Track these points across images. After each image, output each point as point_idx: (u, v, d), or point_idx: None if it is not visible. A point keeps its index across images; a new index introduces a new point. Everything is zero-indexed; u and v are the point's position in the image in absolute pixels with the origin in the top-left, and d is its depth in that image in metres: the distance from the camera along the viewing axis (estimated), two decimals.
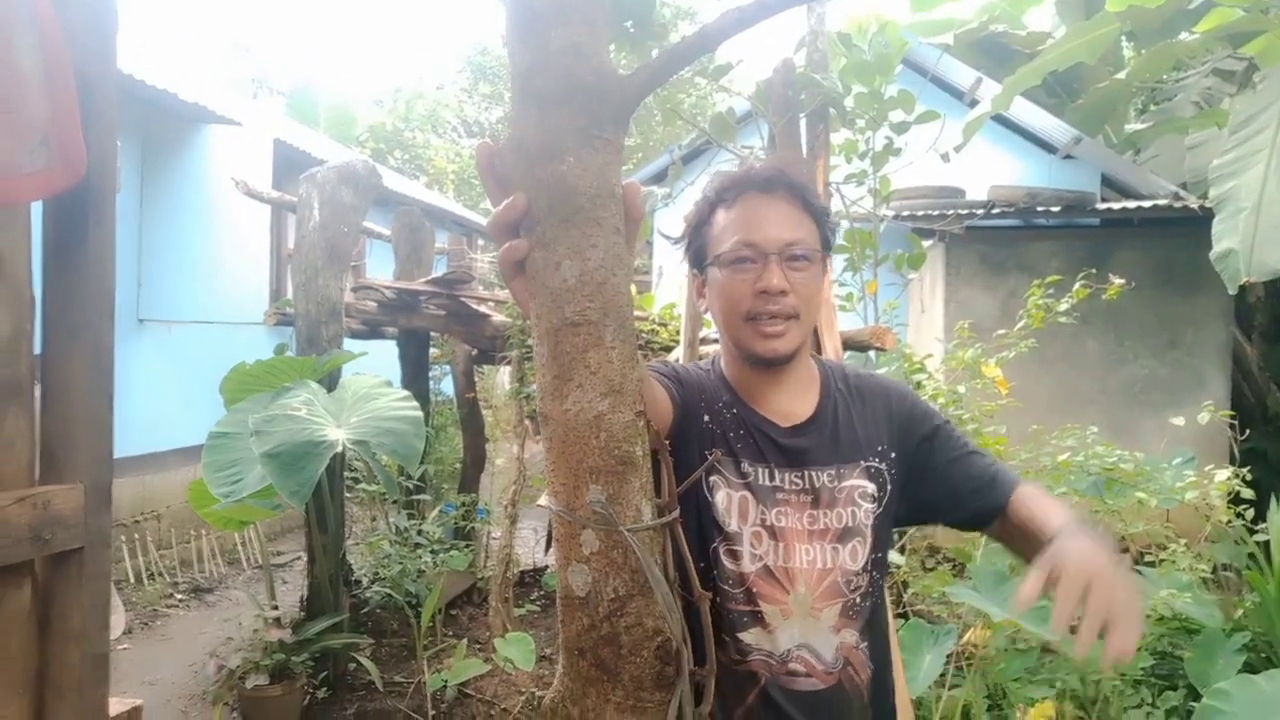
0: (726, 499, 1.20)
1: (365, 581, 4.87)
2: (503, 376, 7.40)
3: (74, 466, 1.30)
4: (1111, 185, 7.68)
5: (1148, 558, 3.81)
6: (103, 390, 1.33)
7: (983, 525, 1.29)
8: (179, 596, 5.71)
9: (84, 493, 1.30)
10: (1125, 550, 4.08)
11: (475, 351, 5.65)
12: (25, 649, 1.26)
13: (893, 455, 1.27)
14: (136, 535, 5.86)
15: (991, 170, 7.50)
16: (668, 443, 1.11)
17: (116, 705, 1.57)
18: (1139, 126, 8.15)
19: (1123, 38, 6.63)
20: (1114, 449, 3.86)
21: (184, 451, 6.24)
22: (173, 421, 6.18)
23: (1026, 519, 1.20)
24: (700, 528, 1.20)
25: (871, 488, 1.24)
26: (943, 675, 2.91)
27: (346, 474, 4.63)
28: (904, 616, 3.37)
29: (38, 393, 1.30)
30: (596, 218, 0.95)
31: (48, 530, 1.23)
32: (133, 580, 5.71)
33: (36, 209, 1.24)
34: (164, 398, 6.14)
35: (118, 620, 4.70)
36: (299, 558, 6.27)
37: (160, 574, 5.89)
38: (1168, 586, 3.30)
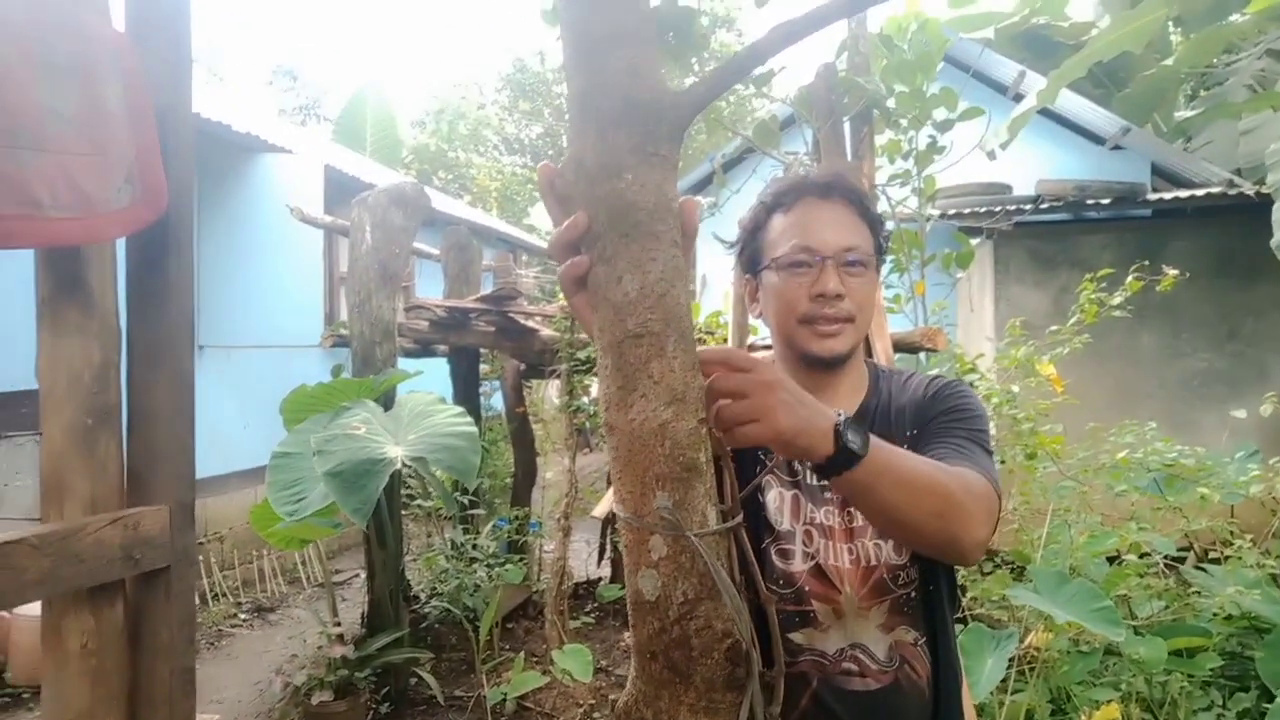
0: (778, 499, 1.22)
1: (423, 597, 4.94)
2: (551, 390, 7.45)
3: (159, 488, 1.35)
4: (1163, 175, 7.54)
5: (1212, 555, 3.72)
6: (184, 414, 1.39)
7: None
8: (242, 616, 5.85)
9: (169, 513, 1.35)
10: (1189, 547, 3.99)
11: (524, 366, 5.70)
12: (119, 664, 1.31)
13: (917, 437, 1.24)
14: (200, 557, 6.01)
15: (1038, 164, 7.40)
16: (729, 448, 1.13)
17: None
18: (1189, 113, 7.99)
19: (1170, 24, 6.51)
20: (1174, 444, 3.78)
21: (244, 474, 6.39)
22: (233, 445, 6.32)
23: None
24: (753, 529, 1.20)
25: None
26: (1005, 680, 2.87)
27: (402, 492, 4.71)
28: (963, 621, 3.33)
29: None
30: (655, 232, 0.98)
31: (138, 550, 1.29)
32: (197, 601, 5.85)
33: (120, 244, 1.30)
34: (224, 422, 6.28)
35: None
36: (357, 575, 6.38)
37: (224, 594, 6.04)
38: (1234, 584, 3.23)
